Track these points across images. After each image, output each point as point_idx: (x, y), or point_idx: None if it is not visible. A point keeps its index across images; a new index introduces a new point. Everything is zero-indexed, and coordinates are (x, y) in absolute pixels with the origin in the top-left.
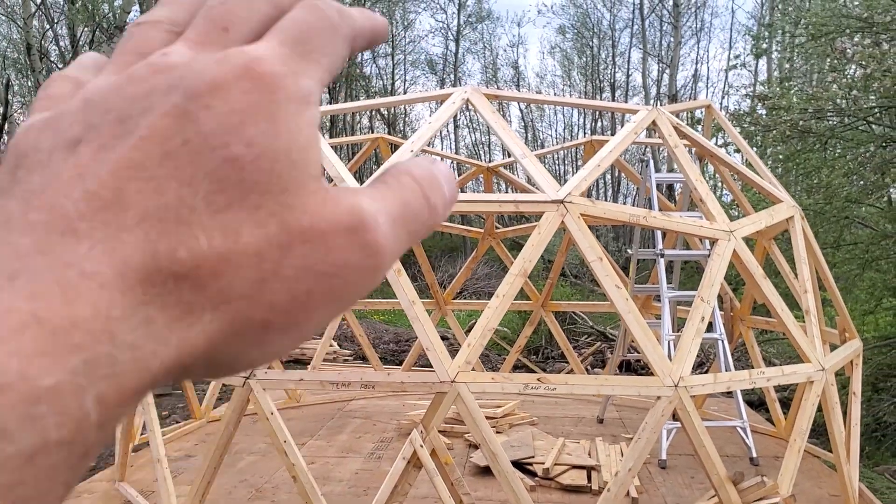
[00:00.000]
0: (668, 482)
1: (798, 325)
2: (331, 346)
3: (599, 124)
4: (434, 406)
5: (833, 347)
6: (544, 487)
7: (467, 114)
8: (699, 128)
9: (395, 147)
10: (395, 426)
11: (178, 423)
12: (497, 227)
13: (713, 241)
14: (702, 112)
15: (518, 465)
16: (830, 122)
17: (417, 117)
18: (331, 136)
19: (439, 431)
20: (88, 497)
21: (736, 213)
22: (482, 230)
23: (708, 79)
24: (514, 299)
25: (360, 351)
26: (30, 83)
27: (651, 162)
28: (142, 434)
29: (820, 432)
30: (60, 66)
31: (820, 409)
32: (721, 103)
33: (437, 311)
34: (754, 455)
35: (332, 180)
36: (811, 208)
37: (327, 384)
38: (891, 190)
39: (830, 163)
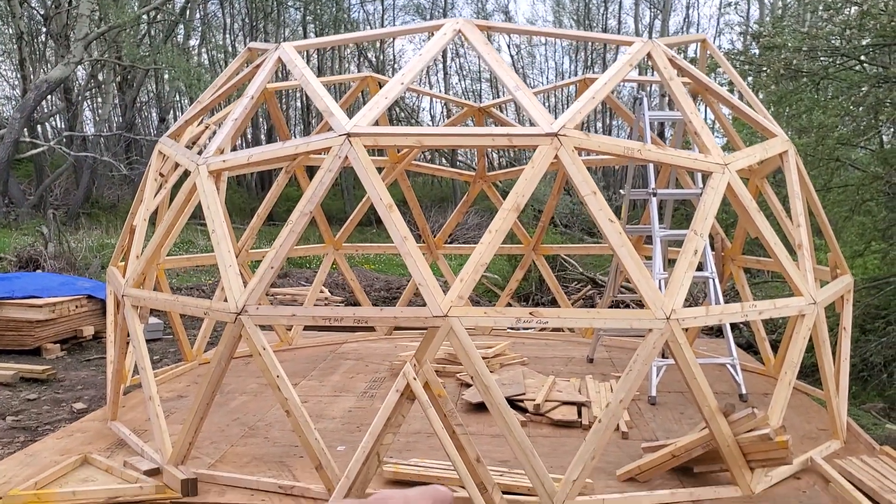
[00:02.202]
0: (658, 418)
1: (790, 260)
2: (321, 292)
3: (591, 73)
4: (427, 340)
5: (824, 287)
6: (535, 423)
7: (458, 60)
8: (694, 66)
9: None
10: (387, 367)
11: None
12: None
13: (707, 176)
14: (695, 52)
15: (509, 402)
16: (824, 62)
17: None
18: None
19: None
20: (81, 436)
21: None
22: (473, 173)
23: (699, 24)
24: (506, 243)
25: (351, 297)
26: (10, 30)
27: (644, 99)
28: (133, 376)
29: (808, 372)
30: (41, 12)
31: (809, 348)
32: (714, 43)
33: (428, 256)
34: (744, 392)
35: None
36: (802, 150)
37: (319, 319)
38: (882, 131)
39: (823, 104)
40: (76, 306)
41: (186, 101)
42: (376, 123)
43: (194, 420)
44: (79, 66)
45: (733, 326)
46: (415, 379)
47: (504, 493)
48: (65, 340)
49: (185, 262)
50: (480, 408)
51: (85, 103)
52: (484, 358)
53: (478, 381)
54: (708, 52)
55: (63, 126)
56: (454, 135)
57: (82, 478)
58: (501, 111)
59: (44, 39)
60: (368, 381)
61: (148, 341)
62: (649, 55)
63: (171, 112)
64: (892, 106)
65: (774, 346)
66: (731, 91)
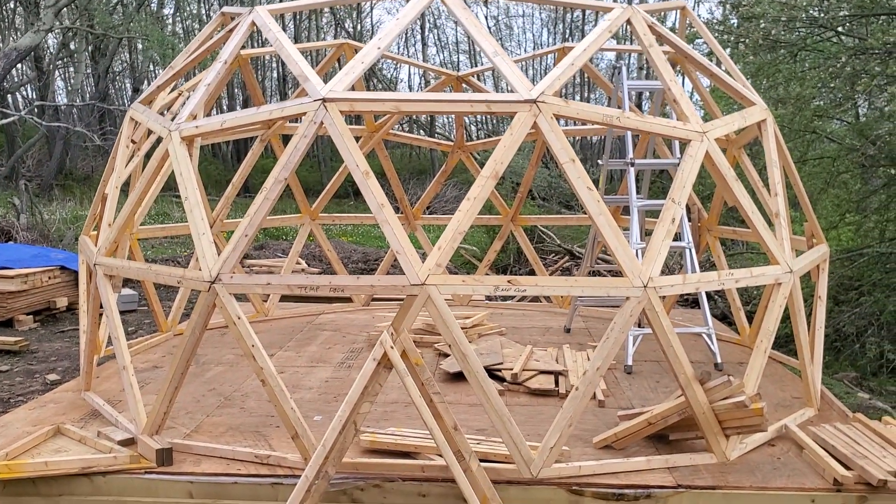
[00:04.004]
0: (634, 386)
1: (767, 229)
2: (298, 263)
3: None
4: (405, 308)
5: (800, 256)
6: (512, 392)
7: (436, 31)
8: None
9: None
10: (364, 338)
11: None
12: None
13: (685, 143)
14: (675, 21)
15: (487, 371)
16: (801, 33)
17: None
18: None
19: None
20: (54, 406)
21: None
22: (451, 143)
23: None
24: (484, 214)
25: (328, 269)
26: None
27: (623, 69)
28: (107, 346)
29: (782, 342)
30: None
31: (783, 318)
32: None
33: (406, 227)
34: (719, 361)
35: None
36: (779, 122)
37: (295, 288)
38: (859, 103)
39: (801, 75)
40: (49, 277)
41: (161, 70)
42: (353, 90)
43: (169, 390)
44: (49, 34)
45: (708, 298)
46: (392, 347)
47: (481, 460)
48: (38, 312)
49: (158, 231)
50: (458, 377)
51: (56, 73)
52: (462, 328)
53: (455, 349)
54: (688, 20)
55: (34, 96)
56: (433, 101)
57: (55, 448)
58: (479, 80)
59: (12, 6)
60: (345, 351)
61: (122, 313)
62: (629, 21)
63: (146, 82)
64: (869, 77)
65: (749, 318)
66: (711, 60)
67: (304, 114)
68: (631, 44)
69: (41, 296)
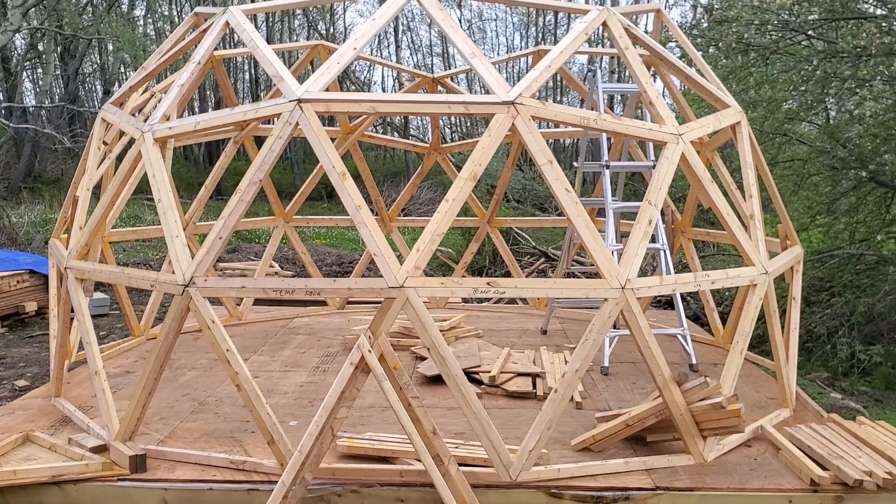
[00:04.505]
0: (611, 388)
1: (742, 230)
2: (272, 266)
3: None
4: (382, 311)
5: (773, 258)
6: (490, 395)
7: (409, 34)
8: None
9: None
10: (340, 341)
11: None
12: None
13: (660, 146)
14: (646, 25)
15: (465, 374)
16: (773, 37)
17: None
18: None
19: None
20: (23, 413)
21: None
22: (427, 145)
23: None
24: (460, 216)
25: (302, 272)
26: None
27: (598, 71)
28: (78, 352)
29: (755, 343)
30: None
31: (757, 319)
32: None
33: (382, 229)
34: (694, 362)
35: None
36: (750, 125)
37: (270, 291)
38: (828, 106)
39: (773, 78)
40: (17, 282)
41: (132, 72)
42: (328, 91)
43: (142, 395)
44: (17, 35)
45: (681, 299)
46: (370, 351)
47: (460, 464)
48: (6, 317)
49: (130, 234)
50: (435, 381)
51: (24, 74)
52: (439, 331)
53: (434, 352)
54: (662, 23)
55: (2, 97)
56: (410, 101)
57: (24, 456)
58: (453, 82)
59: None
60: (320, 355)
61: (94, 317)
62: (605, 24)
63: (116, 84)
64: (839, 80)
65: (722, 319)
66: (686, 62)
67: (280, 115)
68: (603, 47)
69: (9, 300)
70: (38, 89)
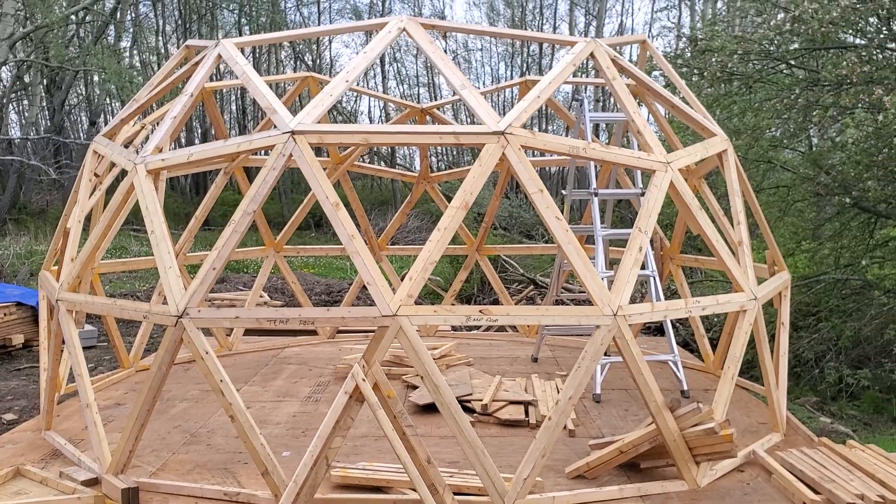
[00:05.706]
0: (604, 415)
1: (731, 256)
2: (261, 296)
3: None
4: (376, 340)
5: (762, 284)
6: (483, 423)
7: (395, 65)
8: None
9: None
10: (331, 370)
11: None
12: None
13: (649, 175)
14: (630, 55)
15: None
16: (756, 66)
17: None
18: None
19: None
20: (12, 447)
21: None
22: (416, 175)
23: (633, 30)
24: (449, 244)
25: (291, 301)
26: None
27: (585, 101)
28: (68, 384)
29: (744, 369)
30: None
31: (749, 343)
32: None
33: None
34: (685, 388)
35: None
36: (736, 152)
37: (264, 321)
38: (811, 133)
39: (756, 106)
40: (4, 314)
41: (118, 104)
42: (320, 123)
43: (134, 427)
44: (3, 67)
45: (671, 325)
46: (364, 380)
47: (455, 493)
48: None
49: (119, 266)
50: (427, 410)
51: (10, 105)
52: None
53: (428, 380)
54: (648, 53)
55: None
56: (402, 132)
57: (15, 490)
58: (440, 111)
59: None
60: (312, 385)
61: (83, 349)
62: (592, 55)
63: (102, 115)
64: (822, 108)
65: (712, 345)
66: (671, 90)
67: (273, 146)
68: (587, 76)
69: None
70: (23, 121)
